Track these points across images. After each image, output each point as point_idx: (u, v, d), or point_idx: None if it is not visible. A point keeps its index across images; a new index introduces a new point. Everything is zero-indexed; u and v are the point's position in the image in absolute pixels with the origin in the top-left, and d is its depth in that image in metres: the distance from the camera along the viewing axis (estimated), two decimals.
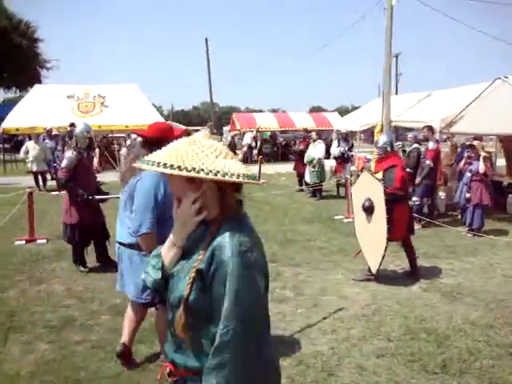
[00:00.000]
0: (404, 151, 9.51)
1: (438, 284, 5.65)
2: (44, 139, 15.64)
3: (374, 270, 5.64)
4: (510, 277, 5.94)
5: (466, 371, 3.66)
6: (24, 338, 4.24)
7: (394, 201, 5.52)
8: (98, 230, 6.19)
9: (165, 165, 1.42)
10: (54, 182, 14.44)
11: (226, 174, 1.43)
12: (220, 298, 1.42)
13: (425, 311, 4.82)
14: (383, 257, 5.47)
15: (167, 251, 1.60)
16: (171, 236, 1.60)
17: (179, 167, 1.41)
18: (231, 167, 1.46)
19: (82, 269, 6.11)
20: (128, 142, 15.57)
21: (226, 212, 1.54)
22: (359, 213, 5.89)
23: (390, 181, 5.65)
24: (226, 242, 1.46)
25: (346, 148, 12.48)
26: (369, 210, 5.62)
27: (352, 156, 12.67)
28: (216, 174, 1.42)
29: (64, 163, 5.94)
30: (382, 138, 6.18)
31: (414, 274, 5.87)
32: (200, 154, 1.46)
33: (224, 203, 1.53)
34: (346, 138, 13.18)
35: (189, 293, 1.47)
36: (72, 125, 13.31)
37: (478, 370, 3.68)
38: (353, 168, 12.75)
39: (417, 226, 8.30)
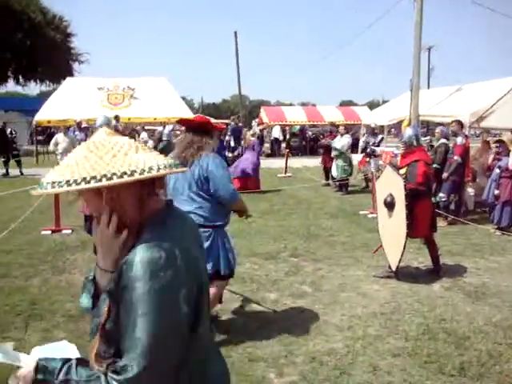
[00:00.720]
0: (432, 146, 9.29)
1: (462, 283, 5.48)
2: (74, 131, 15.93)
3: (393, 267, 5.52)
4: None
5: (485, 375, 3.53)
6: (43, 325, 4.33)
7: (416, 197, 5.39)
8: None
9: (67, 182, 1.17)
10: None
11: (144, 170, 1.20)
12: (127, 328, 1.19)
13: (445, 311, 4.69)
14: (402, 254, 5.35)
15: (99, 278, 1.38)
16: (99, 260, 1.37)
17: (84, 179, 1.17)
18: (147, 161, 1.23)
19: None
20: (144, 134, 16.21)
21: (146, 217, 1.32)
22: (382, 208, 5.78)
23: (412, 176, 5.52)
24: (134, 259, 1.21)
25: (372, 141, 12.30)
26: (390, 205, 5.50)
27: (374, 151, 12.46)
28: (132, 174, 1.19)
29: None
30: (407, 132, 6.03)
31: (436, 272, 5.73)
32: (105, 157, 1.22)
33: (144, 207, 1.31)
34: (374, 132, 12.97)
35: (106, 319, 1.27)
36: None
37: (498, 374, 3.54)
38: (380, 162, 12.54)
39: (443, 223, 8.12)
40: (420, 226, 5.47)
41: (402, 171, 5.68)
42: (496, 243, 7.26)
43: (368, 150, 12.17)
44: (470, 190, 9.57)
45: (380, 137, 12.97)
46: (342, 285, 5.44)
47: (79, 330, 4.24)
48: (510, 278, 5.70)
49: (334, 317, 4.57)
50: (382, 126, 15.71)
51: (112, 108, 19.52)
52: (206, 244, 3.66)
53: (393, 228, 5.53)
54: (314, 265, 6.17)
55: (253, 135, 13.14)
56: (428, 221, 5.59)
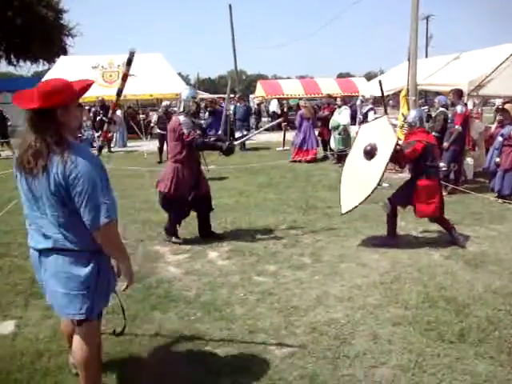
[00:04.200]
0: (430, 116, 9.20)
1: (461, 251, 5.48)
2: None
3: (344, 210, 5.79)
4: None
5: (485, 341, 3.54)
6: (43, 303, 4.30)
7: (424, 175, 5.48)
8: (200, 201, 5.99)
9: None
10: None
11: None
12: None
13: (445, 279, 4.70)
14: (362, 203, 5.49)
15: None
16: None
17: None
18: None
19: (175, 240, 5.95)
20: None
21: None
22: (358, 152, 5.85)
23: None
24: None
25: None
26: (369, 154, 5.57)
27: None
28: None
29: (185, 128, 5.62)
30: (412, 113, 6.06)
31: (456, 242, 5.64)
32: None
33: None
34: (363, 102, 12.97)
35: None
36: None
37: (497, 340, 3.55)
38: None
39: (443, 193, 8.08)
40: (426, 206, 5.49)
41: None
42: (496, 212, 7.25)
43: (357, 120, 12.16)
44: (469, 160, 9.51)
45: (368, 107, 12.76)
46: (341, 255, 5.44)
47: None
48: (509, 245, 5.69)
49: (334, 287, 4.58)
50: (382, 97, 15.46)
51: (108, 86, 19.26)
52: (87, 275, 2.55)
53: (363, 175, 5.61)
54: (312, 236, 6.16)
55: (304, 107, 13.60)
56: (435, 202, 5.53)
